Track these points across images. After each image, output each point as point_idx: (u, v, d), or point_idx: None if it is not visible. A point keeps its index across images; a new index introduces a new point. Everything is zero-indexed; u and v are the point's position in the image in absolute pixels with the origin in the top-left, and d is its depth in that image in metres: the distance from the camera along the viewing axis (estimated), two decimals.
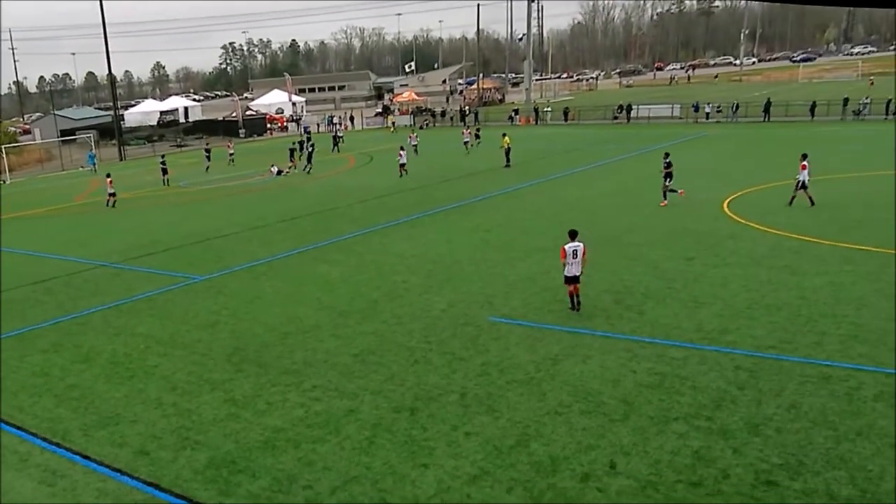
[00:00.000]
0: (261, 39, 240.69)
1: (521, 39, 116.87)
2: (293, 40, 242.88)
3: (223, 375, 13.49)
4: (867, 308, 14.76)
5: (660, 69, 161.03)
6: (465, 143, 49.36)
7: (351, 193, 34.65)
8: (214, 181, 44.25)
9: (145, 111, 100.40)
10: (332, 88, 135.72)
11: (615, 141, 50.64)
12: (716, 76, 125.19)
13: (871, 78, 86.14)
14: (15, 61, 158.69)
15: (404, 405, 11.76)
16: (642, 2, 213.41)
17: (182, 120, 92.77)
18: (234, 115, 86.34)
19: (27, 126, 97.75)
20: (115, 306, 18.59)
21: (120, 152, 65.74)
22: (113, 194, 34.96)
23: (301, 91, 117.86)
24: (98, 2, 61.75)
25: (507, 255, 20.85)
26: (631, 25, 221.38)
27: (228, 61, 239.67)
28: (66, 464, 10.66)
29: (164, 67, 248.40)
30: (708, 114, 62.63)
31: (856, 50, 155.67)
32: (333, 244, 24.04)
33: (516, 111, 75.14)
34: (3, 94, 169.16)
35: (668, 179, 26.61)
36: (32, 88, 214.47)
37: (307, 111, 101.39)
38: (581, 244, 15.53)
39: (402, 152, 39.59)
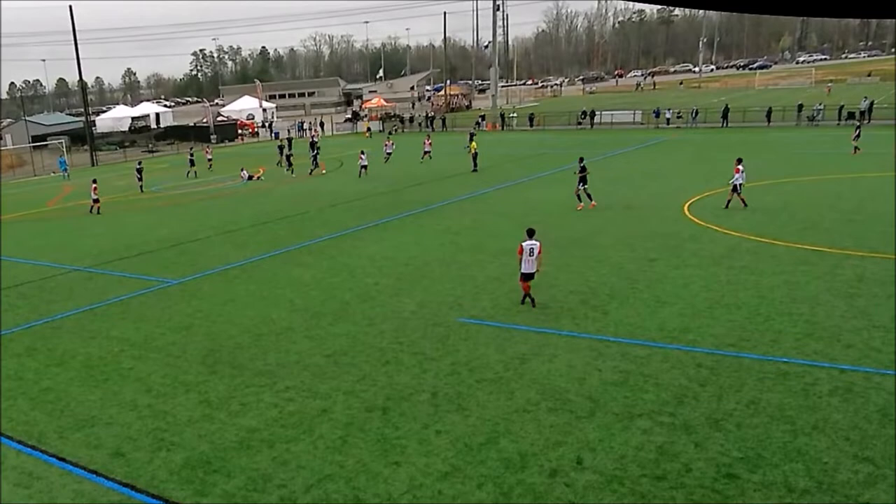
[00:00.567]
0: (231, 46, 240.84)
1: (486, 47, 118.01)
2: (263, 47, 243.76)
3: (198, 377, 13.54)
4: (821, 306, 15.27)
5: (620, 76, 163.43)
6: (426, 152, 47.52)
7: (322, 198, 34.70)
8: (186, 186, 43.98)
9: (117, 117, 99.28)
10: (302, 95, 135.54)
11: (579, 146, 51.25)
12: (681, 83, 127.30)
13: (829, 85, 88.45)
14: None
15: (376, 405, 11.91)
16: (604, 10, 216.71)
17: (153, 126, 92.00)
18: (205, 120, 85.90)
19: None
20: (88, 310, 18.51)
21: (92, 158, 64.93)
22: (97, 200, 34.54)
23: (271, 97, 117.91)
24: (68, 8, 61.10)
25: (475, 258, 21.16)
26: (593, 34, 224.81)
27: (199, 68, 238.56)
28: (42, 466, 10.67)
29: (134, 74, 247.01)
30: (668, 119, 63.66)
31: (802, 58, 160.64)
32: (306, 247, 24.15)
33: (483, 117, 75.66)
34: None
35: (582, 184, 27.31)
36: (3, 95, 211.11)
37: (277, 117, 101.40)
38: (537, 242, 16.00)
39: (362, 155, 42.12)
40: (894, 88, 72.67)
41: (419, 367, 13.38)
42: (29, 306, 19.31)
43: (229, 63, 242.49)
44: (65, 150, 60.91)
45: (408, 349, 14.31)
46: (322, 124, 77.15)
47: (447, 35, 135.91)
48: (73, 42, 62.18)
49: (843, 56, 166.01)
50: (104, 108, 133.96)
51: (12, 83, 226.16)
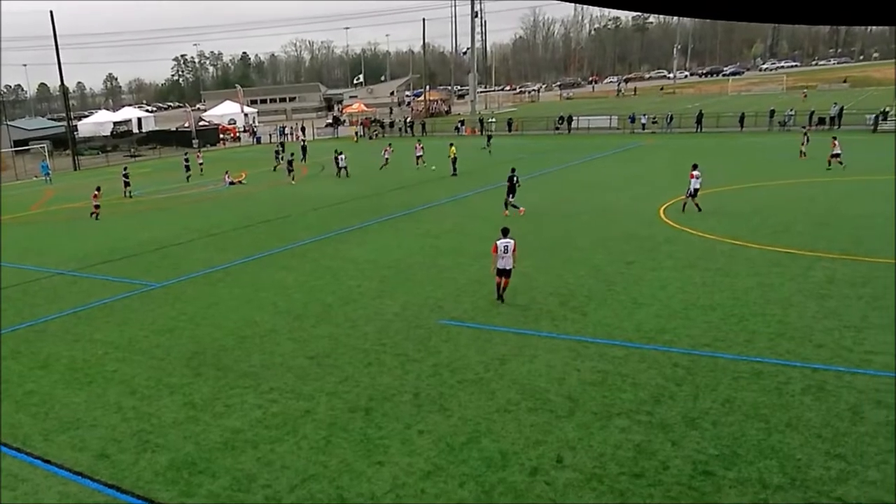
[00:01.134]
0: (212, 52, 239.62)
1: (465, 53, 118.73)
2: (244, 53, 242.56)
3: (182, 379, 13.62)
4: (793, 307, 15.62)
5: (596, 82, 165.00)
6: (419, 156, 46.51)
7: (305, 201, 34.74)
8: (169, 190, 43.76)
9: (99, 122, 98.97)
10: (283, 100, 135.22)
11: (557, 150, 51.72)
12: (661, 88, 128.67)
13: (805, 91, 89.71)
14: None
15: (359, 405, 12.04)
16: (580, 17, 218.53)
17: (135, 130, 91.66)
18: (187, 125, 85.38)
19: None
20: (72, 313, 18.50)
21: (74, 162, 64.48)
22: (98, 206, 34.26)
23: (253, 102, 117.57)
24: (49, 13, 60.60)
25: (456, 260, 21.37)
26: (570, 40, 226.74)
27: (180, 73, 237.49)
28: (28, 468, 10.71)
29: (116, 79, 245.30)
30: (644, 125, 64.31)
31: (766, 65, 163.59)
32: (289, 250, 24.24)
33: (462, 122, 75.95)
34: None
35: (511, 194, 28.16)
36: None
37: (259, 122, 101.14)
38: (512, 241, 16.52)
39: (340, 157, 43.95)
40: (865, 94, 73.83)
41: (401, 369, 13.53)
42: (13, 310, 19.24)
43: (210, 68, 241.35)
44: (47, 154, 60.36)
45: (390, 350, 14.47)
46: (303, 129, 76.97)
47: (426, 41, 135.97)
48: (54, 47, 61.70)
49: (814, 63, 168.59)
50: (86, 113, 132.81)
51: None
